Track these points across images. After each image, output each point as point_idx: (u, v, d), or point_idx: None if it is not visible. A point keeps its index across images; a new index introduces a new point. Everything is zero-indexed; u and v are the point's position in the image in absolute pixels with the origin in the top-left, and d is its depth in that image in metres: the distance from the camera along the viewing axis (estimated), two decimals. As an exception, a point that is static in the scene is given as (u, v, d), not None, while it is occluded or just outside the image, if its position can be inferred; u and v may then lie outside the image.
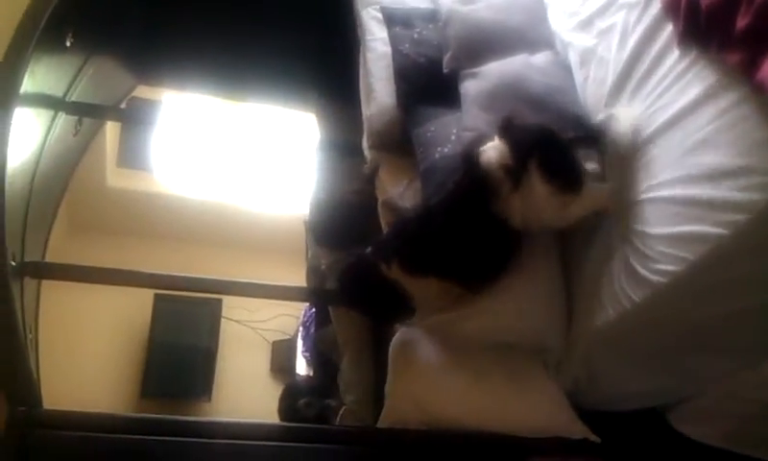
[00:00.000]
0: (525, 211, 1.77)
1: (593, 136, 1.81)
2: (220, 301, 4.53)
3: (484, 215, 1.78)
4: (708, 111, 1.52)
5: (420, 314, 2.00)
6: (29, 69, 2.18)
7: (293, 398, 2.88)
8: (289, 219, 4.38)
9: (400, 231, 1.99)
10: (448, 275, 1.87)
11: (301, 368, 4.18)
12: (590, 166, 1.88)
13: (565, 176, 1.75)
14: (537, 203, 1.75)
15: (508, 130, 1.79)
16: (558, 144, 1.78)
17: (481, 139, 1.85)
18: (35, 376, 2.12)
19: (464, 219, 1.82)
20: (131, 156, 4.67)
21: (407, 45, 2.29)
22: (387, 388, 2.00)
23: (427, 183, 2.03)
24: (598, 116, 1.86)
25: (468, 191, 1.82)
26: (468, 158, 1.84)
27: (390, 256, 1.87)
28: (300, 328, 4.27)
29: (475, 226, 1.80)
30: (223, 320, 4.62)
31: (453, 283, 1.90)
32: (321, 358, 3.32)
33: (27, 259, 2.35)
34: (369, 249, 1.96)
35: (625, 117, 1.77)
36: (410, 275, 1.86)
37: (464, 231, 1.82)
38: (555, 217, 1.83)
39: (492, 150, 1.78)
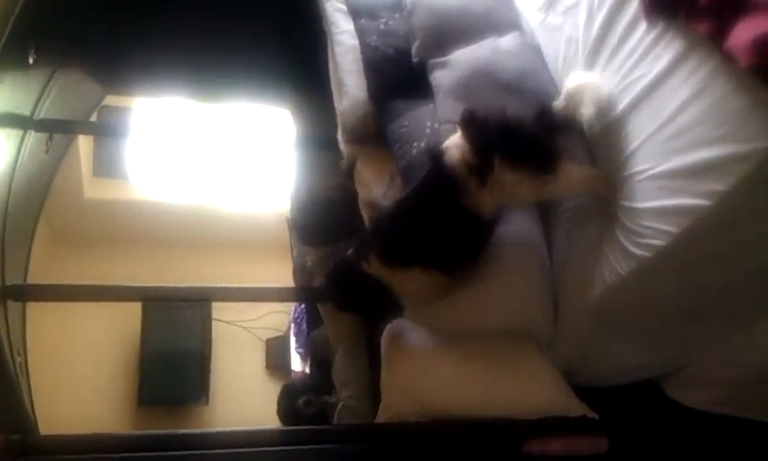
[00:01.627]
0: (498, 200, 1.78)
1: (565, 122, 1.78)
2: (209, 303, 4.52)
3: (453, 209, 1.78)
4: (681, 79, 1.52)
5: (412, 309, 1.99)
6: (-7, 90, 2.14)
7: (291, 398, 2.89)
8: (271, 216, 4.37)
9: (376, 228, 2.01)
10: (427, 263, 1.87)
11: (296, 364, 4.19)
12: (575, 151, 1.86)
13: (534, 161, 1.74)
14: (509, 190, 1.75)
15: (469, 125, 1.78)
16: (520, 133, 1.76)
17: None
18: (26, 400, 2.11)
19: (433, 213, 1.82)
20: (106, 164, 4.64)
21: (374, 37, 2.26)
22: (381, 384, 2.01)
23: (408, 181, 2.01)
24: (563, 89, 1.82)
25: (436, 187, 1.82)
26: (434, 155, 1.84)
27: (367, 252, 1.88)
28: (292, 325, 4.28)
29: (445, 218, 1.81)
30: (214, 322, 4.61)
31: (435, 271, 1.89)
32: (316, 356, 3.32)
33: (8, 282, 2.32)
34: (349, 251, 1.97)
35: (591, 87, 1.74)
36: (389, 267, 1.87)
37: (434, 223, 1.82)
38: (533, 196, 1.84)
39: (455, 148, 1.77)
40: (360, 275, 1.90)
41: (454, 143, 1.79)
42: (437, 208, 1.81)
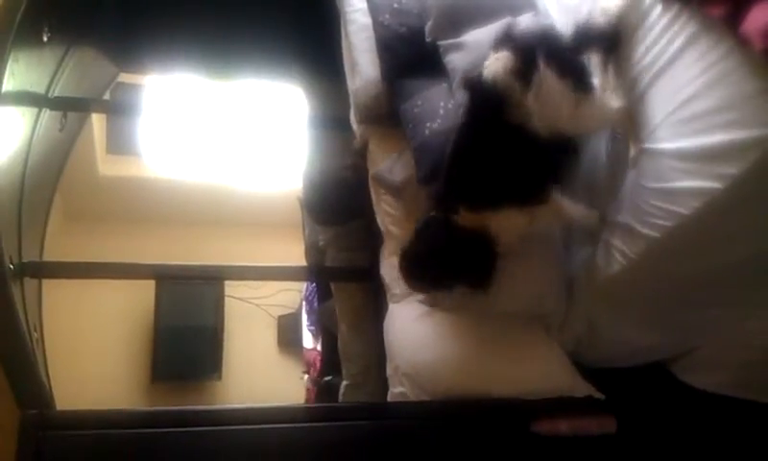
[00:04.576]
0: (541, 110, 1.67)
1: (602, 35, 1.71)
2: (222, 280, 4.56)
3: (503, 129, 1.69)
4: (694, 62, 1.50)
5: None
6: (8, 69, 2.15)
7: None
8: (283, 195, 4.38)
9: (447, 176, 1.85)
10: (509, 198, 1.75)
11: (308, 341, 4.23)
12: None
13: (576, 72, 1.67)
14: (552, 99, 1.65)
15: (508, 38, 1.72)
16: (563, 41, 1.72)
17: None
18: (43, 376, 2.14)
19: (484, 140, 1.74)
20: (120, 141, 4.67)
21: (387, 16, 2.24)
22: (388, 373, 2.02)
23: (421, 161, 2.00)
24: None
25: (478, 111, 1.75)
26: (470, 82, 1.77)
27: (453, 205, 1.78)
28: (304, 303, 4.31)
29: (498, 142, 1.71)
30: (227, 298, 4.65)
31: (521, 204, 1.77)
32: (326, 331, 3.36)
33: (25, 259, 2.35)
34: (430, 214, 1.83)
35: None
36: (479, 213, 1.76)
37: (488, 152, 1.73)
38: (569, 118, 1.70)
39: (495, 61, 1.70)
40: (452, 230, 1.77)
41: (493, 58, 1.71)
42: (485, 133, 1.73)
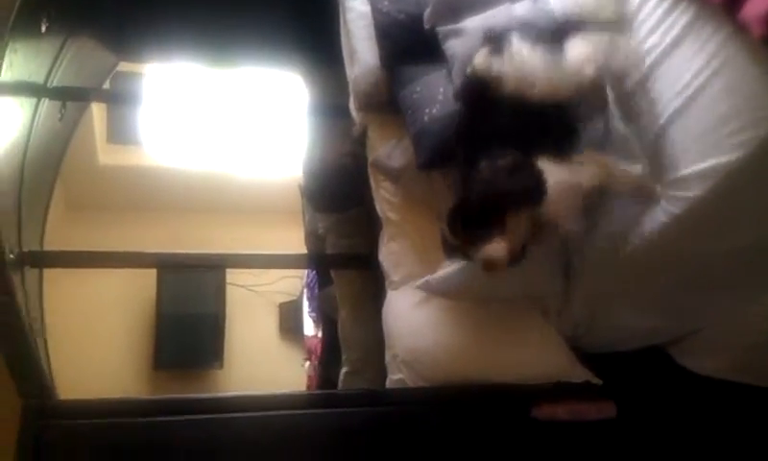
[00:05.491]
0: (517, 75, 1.67)
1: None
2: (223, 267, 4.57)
3: (487, 103, 1.71)
4: (692, 49, 1.50)
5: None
6: (6, 59, 2.15)
7: None
8: (282, 182, 4.39)
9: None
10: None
11: (309, 328, 4.24)
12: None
13: (550, 39, 1.70)
14: (526, 65, 1.67)
15: (486, 37, 1.77)
16: (536, 24, 1.76)
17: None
18: (44, 365, 2.15)
19: (476, 117, 1.78)
20: (120, 131, 4.66)
21: (386, 3, 2.23)
22: (386, 360, 2.03)
23: (420, 148, 2.00)
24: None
25: (470, 101, 1.80)
26: (459, 87, 1.84)
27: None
28: (305, 290, 4.32)
29: (488, 114, 1.73)
30: (228, 286, 4.66)
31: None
32: (326, 317, 3.35)
33: (25, 249, 2.36)
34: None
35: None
36: None
37: (485, 123, 1.75)
38: (546, 82, 1.69)
39: (477, 57, 1.75)
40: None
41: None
42: (476, 113, 1.78)
